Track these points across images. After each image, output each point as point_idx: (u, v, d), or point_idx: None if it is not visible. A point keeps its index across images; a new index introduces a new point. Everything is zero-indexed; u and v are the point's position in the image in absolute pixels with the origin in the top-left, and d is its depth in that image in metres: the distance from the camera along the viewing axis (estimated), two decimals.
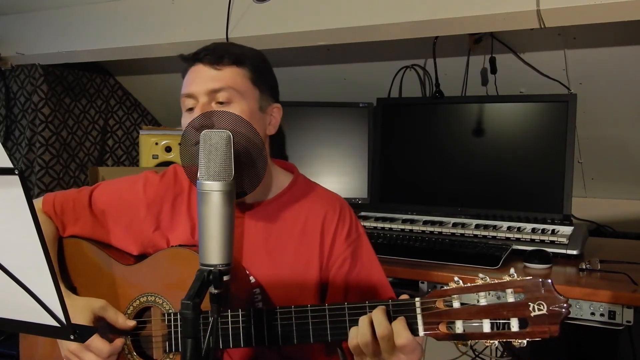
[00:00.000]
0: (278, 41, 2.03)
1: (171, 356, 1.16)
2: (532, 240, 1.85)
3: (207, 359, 0.86)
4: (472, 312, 0.91)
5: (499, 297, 0.91)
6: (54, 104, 2.64)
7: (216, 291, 0.89)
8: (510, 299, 0.89)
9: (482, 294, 0.91)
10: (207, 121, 1.08)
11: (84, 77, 2.81)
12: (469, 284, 0.93)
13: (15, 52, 2.65)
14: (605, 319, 1.50)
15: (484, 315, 0.90)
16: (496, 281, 0.91)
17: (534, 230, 1.91)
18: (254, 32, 2.05)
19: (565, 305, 0.87)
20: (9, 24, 2.69)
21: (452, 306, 0.93)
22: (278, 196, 1.28)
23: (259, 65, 1.24)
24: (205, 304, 0.88)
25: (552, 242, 1.82)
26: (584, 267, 1.65)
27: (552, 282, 0.88)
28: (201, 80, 1.18)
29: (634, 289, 1.49)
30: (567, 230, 1.89)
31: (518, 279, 0.90)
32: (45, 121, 2.59)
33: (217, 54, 1.19)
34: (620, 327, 1.50)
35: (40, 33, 2.60)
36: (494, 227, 1.97)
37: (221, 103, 1.17)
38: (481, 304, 0.91)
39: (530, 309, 0.88)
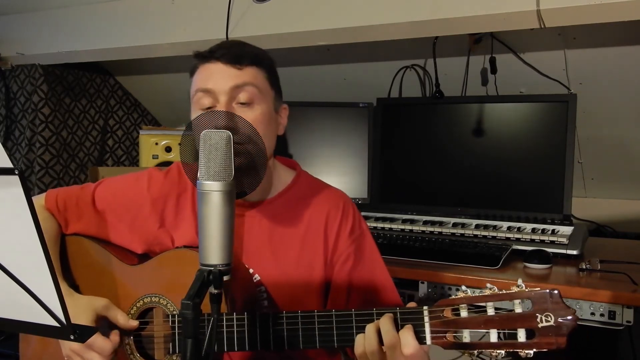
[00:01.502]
0: (278, 41, 2.03)
1: (175, 357, 1.16)
2: (532, 240, 1.85)
3: (207, 359, 0.86)
4: (480, 322, 0.92)
5: (506, 308, 0.91)
6: (54, 104, 2.63)
7: (216, 291, 0.89)
8: (518, 309, 0.90)
9: (489, 303, 0.91)
10: (230, 122, 1.05)
11: (84, 77, 2.81)
12: (477, 294, 0.93)
13: (15, 52, 2.65)
14: (605, 319, 1.50)
15: (491, 325, 0.91)
16: (504, 291, 0.91)
17: (534, 230, 1.91)
18: (254, 32, 2.05)
19: (572, 317, 0.87)
20: (9, 24, 2.69)
21: (459, 315, 0.93)
22: (281, 194, 1.27)
23: (272, 65, 1.24)
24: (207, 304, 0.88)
25: (552, 242, 1.82)
26: (584, 267, 1.65)
27: (559, 293, 0.88)
28: (222, 77, 1.14)
29: (634, 289, 1.49)
30: (567, 230, 1.88)
31: (526, 289, 0.90)
32: (45, 121, 2.59)
33: (236, 52, 1.16)
34: (620, 327, 1.50)
35: (40, 33, 2.60)
36: (494, 227, 1.97)
37: (243, 104, 1.14)
38: (489, 313, 0.91)
39: (538, 319, 0.88)
